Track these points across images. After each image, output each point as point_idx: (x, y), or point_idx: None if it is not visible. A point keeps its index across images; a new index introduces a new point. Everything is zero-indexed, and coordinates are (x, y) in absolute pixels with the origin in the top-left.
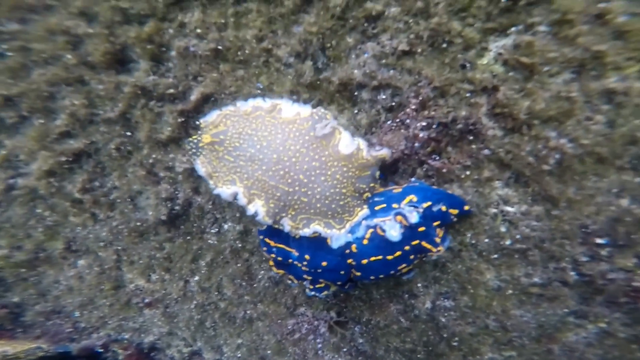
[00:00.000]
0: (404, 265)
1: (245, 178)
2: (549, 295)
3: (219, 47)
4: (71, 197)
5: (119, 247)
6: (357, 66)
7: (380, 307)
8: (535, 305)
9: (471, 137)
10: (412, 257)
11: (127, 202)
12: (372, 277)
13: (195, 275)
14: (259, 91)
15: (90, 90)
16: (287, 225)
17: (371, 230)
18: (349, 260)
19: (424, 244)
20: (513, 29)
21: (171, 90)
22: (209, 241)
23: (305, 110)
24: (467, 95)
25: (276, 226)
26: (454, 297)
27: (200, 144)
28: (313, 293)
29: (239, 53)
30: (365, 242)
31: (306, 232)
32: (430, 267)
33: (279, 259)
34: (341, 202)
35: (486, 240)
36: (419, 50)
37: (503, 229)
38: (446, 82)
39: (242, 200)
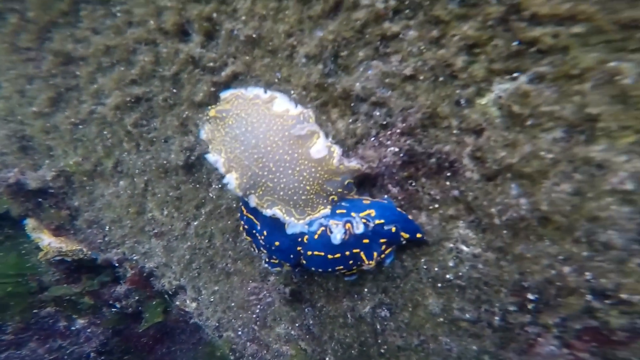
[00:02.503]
0: (341, 267)
1: (229, 152)
2: (474, 332)
3: (254, 35)
4: (126, 128)
5: (148, 178)
6: (359, 80)
7: (335, 298)
8: (460, 338)
9: (449, 174)
10: (350, 262)
11: (161, 142)
12: (313, 269)
13: (196, 220)
14: (276, 80)
15: (158, 51)
16: (252, 201)
17: (322, 228)
18: (299, 248)
19: (362, 254)
20: (517, 74)
21: (211, 64)
22: (210, 194)
23: (295, 110)
24: (456, 132)
25: (245, 199)
26: (395, 310)
27: (210, 115)
28: (266, 266)
29: (270, 43)
30: (316, 237)
31: (267, 212)
32: (383, 277)
33: (246, 227)
34: (303, 197)
35: (436, 269)
36: (422, 77)
37: (451, 264)
38: (439, 114)
39: (221, 168)
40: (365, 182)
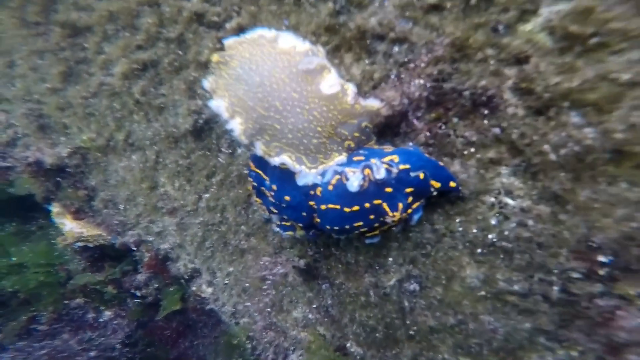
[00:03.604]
0: (360, 222)
1: (232, 95)
2: (526, 307)
3: None
4: (134, 97)
5: (158, 149)
6: (375, 14)
7: (355, 274)
8: (508, 315)
9: (486, 112)
10: (371, 217)
11: (169, 109)
12: (327, 227)
13: (207, 192)
14: (284, 28)
15: (161, 12)
16: (259, 148)
17: (337, 176)
18: (311, 203)
19: (384, 205)
20: None
21: (215, 18)
22: (220, 160)
23: (303, 45)
24: (493, 63)
25: (252, 148)
26: (425, 284)
27: (213, 62)
28: (278, 230)
29: None
30: (330, 187)
31: (275, 160)
32: (411, 245)
33: (254, 184)
34: (314, 141)
35: (475, 231)
36: (449, 5)
37: (493, 222)
38: (471, 45)
39: (224, 114)
40: (386, 131)
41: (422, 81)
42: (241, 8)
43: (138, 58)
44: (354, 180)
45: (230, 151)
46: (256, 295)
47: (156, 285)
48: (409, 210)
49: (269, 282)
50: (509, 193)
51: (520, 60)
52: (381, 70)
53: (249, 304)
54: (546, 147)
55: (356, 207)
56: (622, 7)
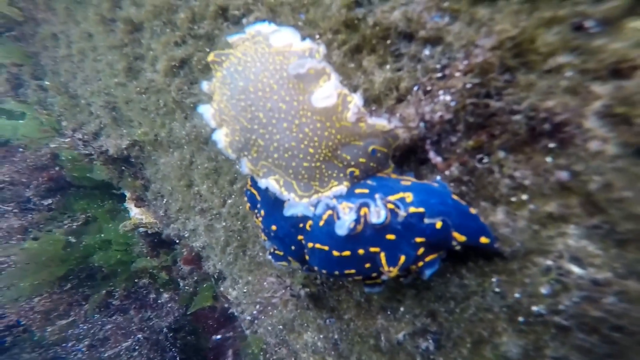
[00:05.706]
0: (352, 270)
1: (219, 100)
2: None
3: None
4: (172, 95)
5: (192, 148)
6: (400, 6)
7: (366, 312)
8: None
9: (551, 145)
10: (367, 266)
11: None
12: (316, 268)
13: (230, 197)
14: (300, 23)
15: (192, 7)
16: (245, 166)
17: (329, 212)
18: (300, 237)
19: (382, 255)
20: None
21: (236, 12)
22: (238, 167)
23: (300, 44)
24: (571, 75)
25: (237, 165)
26: (444, 343)
27: (208, 61)
28: (270, 257)
29: None
30: (321, 223)
31: (262, 183)
32: (432, 295)
33: (248, 204)
34: (305, 164)
35: (517, 295)
36: None
37: (544, 291)
38: (536, 49)
39: (211, 121)
40: (410, 157)
41: (447, 98)
42: (259, 1)
43: (175, 55)
44: (345, 222)
45: None
46: (270, 310)
47: (196, 278)
48: (420, 263)
49: (275, 302)
50: (575, 259)
51: (619, 72)
52: (409, 78)
53: (263, 317)
54: None
55: (347, 252)
56: None
